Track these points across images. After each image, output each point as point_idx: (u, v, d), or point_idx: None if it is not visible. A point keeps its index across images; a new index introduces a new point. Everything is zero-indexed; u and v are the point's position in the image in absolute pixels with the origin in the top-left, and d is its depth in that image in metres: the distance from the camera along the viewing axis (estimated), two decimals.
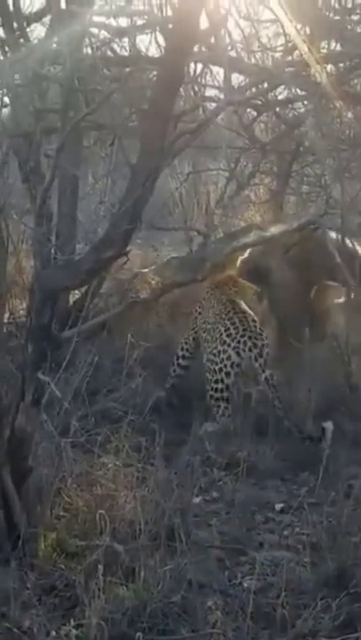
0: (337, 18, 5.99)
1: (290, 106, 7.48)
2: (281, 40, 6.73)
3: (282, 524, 4.46)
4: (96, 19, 4.42)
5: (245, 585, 3.85)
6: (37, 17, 5.62)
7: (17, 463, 3.98)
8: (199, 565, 3.90)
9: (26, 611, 3.53)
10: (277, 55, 6.70)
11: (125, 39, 5.21)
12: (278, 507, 4.72)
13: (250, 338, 5.59)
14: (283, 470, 5.16)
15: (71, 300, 6.74)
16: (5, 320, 4.62)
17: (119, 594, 3.62)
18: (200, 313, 6.01)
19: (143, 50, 5.20)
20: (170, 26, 4.21)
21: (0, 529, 3.93)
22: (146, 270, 7.00)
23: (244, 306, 5.88)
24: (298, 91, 6.48)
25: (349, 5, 6.17)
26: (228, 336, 5.62)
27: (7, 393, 3.99)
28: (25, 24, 4.73)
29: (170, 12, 4.59)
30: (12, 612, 3.48)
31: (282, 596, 3.61)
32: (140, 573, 3.69)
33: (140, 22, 4.96)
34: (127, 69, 4.49)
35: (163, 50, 4.82)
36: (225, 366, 5.58)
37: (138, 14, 4.42)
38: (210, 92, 7.05)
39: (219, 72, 6.92)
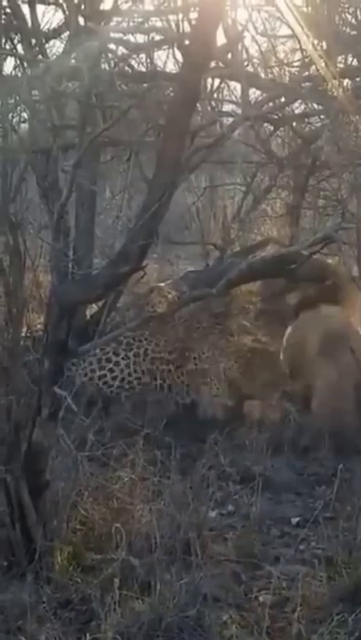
0: (354, 33, 6.00)
1: (306, 120, 7.49)
2: (298, 55, 6.76)
3: (298, 539, 4.45)
4: (113, 35, 4.45)
5: (261, 599, 3.84)
6: (55, 33, 5.66)
7: (33, 477, 4.00)
8: (215, 579, 3.91)
9: (42, 625, 3.54)
10: (294, 70, 6.73)
11: (142, 55, 5.25)
12: (294, 521, 4.71)
13: None
14: (298, 484, 5.16)
15: (88, 314, 6.76)
16: (22, 334, 4.64)
17: (135, 608, 3.62)
18: None
19: (160, 66, 5.24)
20: (187, 42, 4.22)
21: (16, 542, 3.94)
22: (162, 284, 7.01)
23: None
24: (314, 105, 6.49)
25: None
26: None
27: (24, 407, 4.01)
28: (43, 40, 4.77)
29: (187, 29, 4.61)
30: (27, 625, 3.50)
31: (298, 610, 3.61)
32: (155, 587, 3.69)
33: (157, 38, 4.98)
34: (145, 85, 4.51)
35: (180, 66, 4.85)
36: None
37: (155, 31, 4.44)
38: (227, 107, 7.08)
39: (236, 87, 6.95)
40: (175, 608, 3.60)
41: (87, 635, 3.44)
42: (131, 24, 4.60)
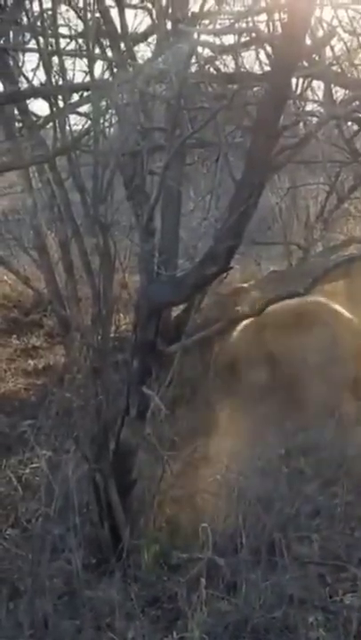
0: None
1: None
2: None
3: None
4: (202, 37, 4.47)
5: (347, 602, 3.82)
6: (144, 37, 5.71)
7: (121, 476, 4.05)
8: (300, 581, 3.90)
9: (130, 622, 3.58)
10: None
11: (229, 57, 5.26)
12: None
13: None
14: None
15: (172, 315, 6.79)
16: (111, 335, 4.68)
17: (221, 608, 3.64)
18: None
19: (247, 67, 5.24)
20: (277, 42, 4.22)
21: (105, 540, 3.99)
22: (246, 285, 7.01)
23: None
24: None
25: None
26: None
27: (113, 407, 4.05)
28: (132, 44, 4.81)
29: (276, 29, 4.61)
30: (116, 622, 3.54)
31: None
32: (241, 587, 3.70)
33: (243, 40, 4.98)
34: (233, 87, 4.52)
35: (267, 66, 4.85)
36: None
37: (244, 31, 4.44)
38: (309, 107, 7.04)
39: (319, 86, 6.91)
40: (261, 609, 3.60)
41: (174, 633, 3.47)
42: (219, 26, 4.62)
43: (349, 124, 7.29)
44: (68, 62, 5.20)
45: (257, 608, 3.61)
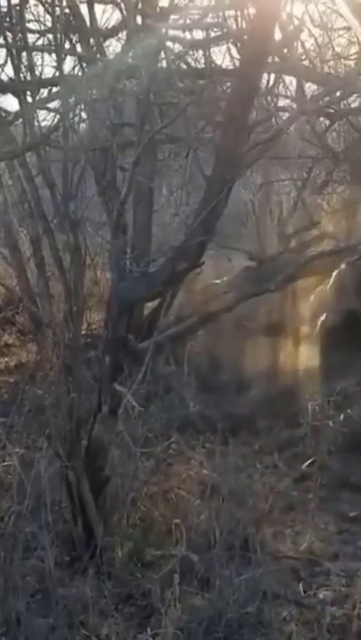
0: None
1: None
2: (354, 48, 6.71)
3: (356, 535, 4.42)
4: (171, 32, 4.45)
5: (321, 596, 3.83)
6: (114, 32, 5.69)
7: (94, 473, 4.03)
8: (274, 576, 3.90)
9: (103, 619, 3.56)
10: (351, 63, 6.68)
11: (199, 52, 5.25)
12: (352, 514, 4.68)
13: None
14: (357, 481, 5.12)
15: (145, 311, 6.78)
16: (83, 332, 4.67)
17: (195, 603, 3.64)
18: None
19: (217, 62, 5.23)
20: (245, 37, 4.22)
21: (78, 538, 3.97)
22: (219, 282, 7.01)
23: None
24: None
25: None
26: None
27: (85, 404, 4.04)
28: (101, 39, 4.80)
29: (244, 24, 4.60)
30: (90, 619, 3.52)
31: (357, 607, 3.59)
32: (215, 583, 3.70)
33: (213, 35, 4.97)
34: (202, 82, 4.51)
35: (237, 62, 4.84)
36: None
37: (212, 26, 4.43)
38: (282, 102, 7.05)
39: (291, 82, 6.92)
40: (235, 604, 3.60)
41: (148, 630, 3.46)
42: (188, 21, 4.60)
43: (321, 119, 7.30)
44: (37, 57, 5.17)
45: (231, 603, 3.60)
